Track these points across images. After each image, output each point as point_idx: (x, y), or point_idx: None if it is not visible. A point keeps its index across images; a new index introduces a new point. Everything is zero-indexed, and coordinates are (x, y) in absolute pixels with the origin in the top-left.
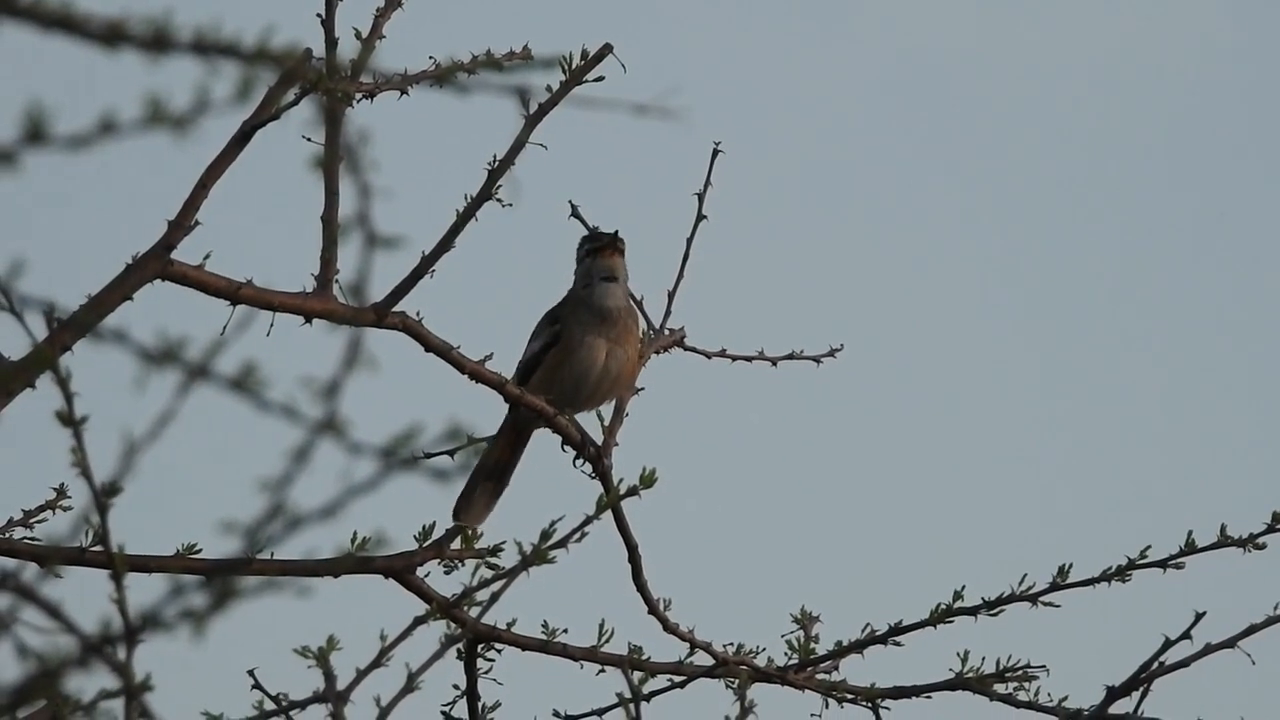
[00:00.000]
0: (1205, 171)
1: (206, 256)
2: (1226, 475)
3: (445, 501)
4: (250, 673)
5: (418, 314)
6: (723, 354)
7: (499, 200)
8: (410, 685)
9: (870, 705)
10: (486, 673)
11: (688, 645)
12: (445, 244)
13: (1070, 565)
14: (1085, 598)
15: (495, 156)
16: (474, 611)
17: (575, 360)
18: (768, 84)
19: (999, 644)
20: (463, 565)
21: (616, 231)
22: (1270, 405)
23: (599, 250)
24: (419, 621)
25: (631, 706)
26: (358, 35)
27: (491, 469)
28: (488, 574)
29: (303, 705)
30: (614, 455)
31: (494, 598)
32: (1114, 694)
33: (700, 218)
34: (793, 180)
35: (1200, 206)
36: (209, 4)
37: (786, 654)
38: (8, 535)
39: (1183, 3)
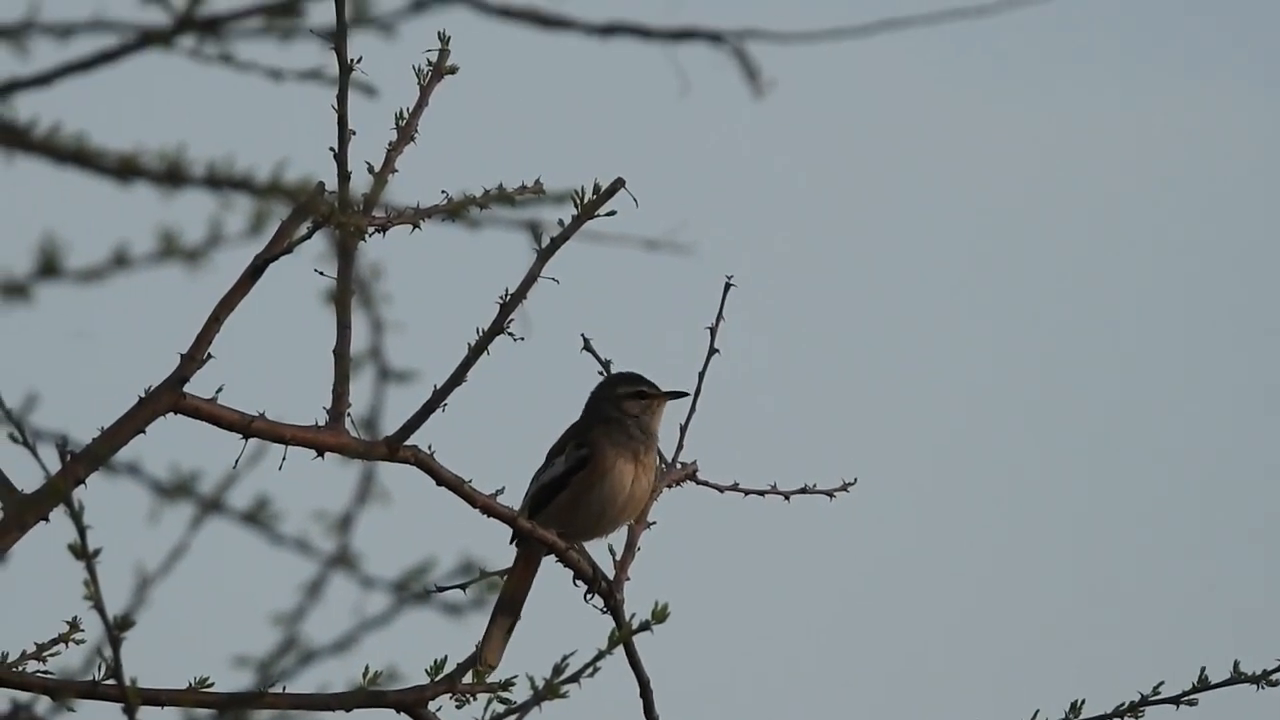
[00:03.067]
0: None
1: (219, 390)
2: (1240, 612)
3: (458, 635)
4: None
5: (429, 447)
6: (735, 488)
7: (511, 334)
8: None
9: None
10: None
11: None
12: (457, 378)
13: (1083, 701)
14: None
15: (507, 290)
16: None
17: (606, 483)
18: (779, 216)
19: None
20: (475, 700)
21: (680, 393)
22: None
23: (654, 401)
24: None
25: None
26: (370, 169)
27: (508, 603)
28: (500, 709)
29: None
30: (625, 590)
31: None
32: None
33: (712, 351)
34: (805, 314)
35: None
36: (222, 137)
37: None
38: (20, 668)
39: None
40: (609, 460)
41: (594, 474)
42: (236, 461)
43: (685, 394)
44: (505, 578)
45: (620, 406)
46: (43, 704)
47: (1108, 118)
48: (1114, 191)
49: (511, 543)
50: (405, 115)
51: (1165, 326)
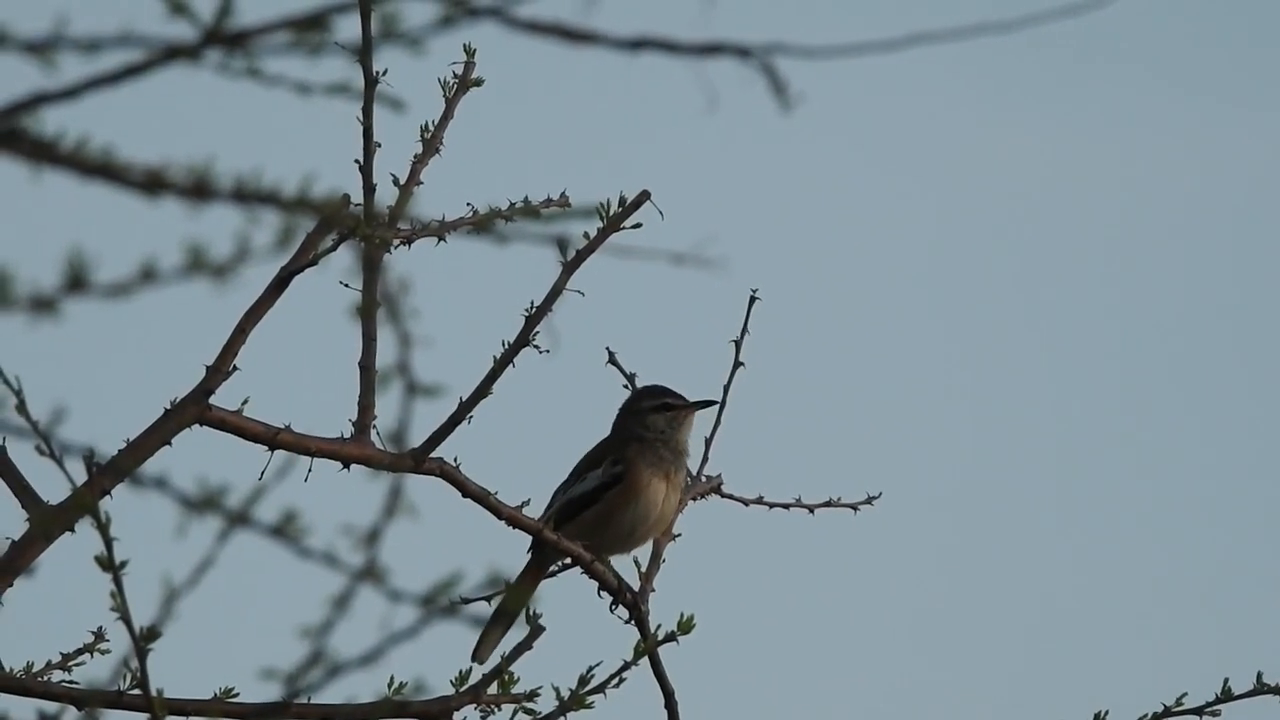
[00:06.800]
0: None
1: (245, 402)
2: (1264, 623)
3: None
4: None
5: (455, 460)
6: (760, 501)
7: (536, 347)
8: None
9: None
10: None
11: None
12: (483, 390)
13: (1106, 712)
14: None
15: (532, 303)
16: None
17: (640, 501)
18: (804, 229)
19: None
20: (499, 710)
21: (709, 402)
22: None
23: (680, 413)
24: None
25: None
26: (396, 182)
27: (510, 610)
28: (525, 719)
29: None
30: (650, 601)
31: None
32: None
33: (737, 365)
34: (831, 327)
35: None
36: (249, 151)
37: None
38: (46, 678)
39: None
40: (644, 479)
41: (629, 491)
42: (262, 473)
43: (713, 403)
44: (514, 586)
45: (645, 421)
46: (68, 714)
47: (1129, 134)
48: (1129, 208)
49: (529, 551)
50: (430, 128)
51: (1191, 340)
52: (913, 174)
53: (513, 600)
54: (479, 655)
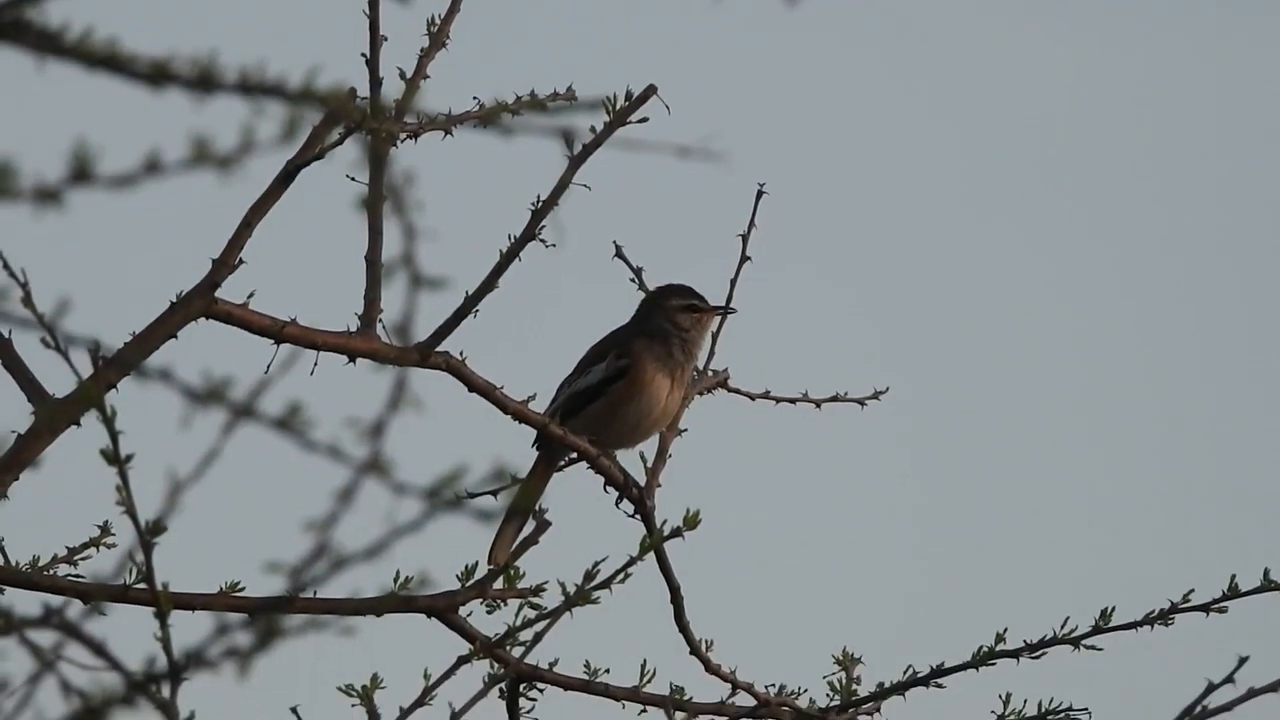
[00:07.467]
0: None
1: (251, 295)
2: (1270, 520)
3: (488, 541)
4: (294, 710)
5: (461, 354)
6: (766, 395)
7: (542, 240)
8: None
9: None
10: (529, 712)
11: (730, 686)
12: (489, 284)
13: (1113, 609)
14: (1128, 641)
15: (539, 197)
16: (517, 651)
17: (643, 396)
18: (811, 123)
19: (1041, 686)
20: (505, 605)
21: (728, 309)
22: None
23: (704, 316)
24: (462, 661)
25: None
26: (402, 75)
27: (525, 509)
28: (531, 614)
29: None
30: (656, 496)
31: (537, 637)
32: None
33: (744, 259)
34: (837, 221)
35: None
36: (254, 44)
37: (828, 695)
38: (52, 572)
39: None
40: (648, 373)
41: (633, 386)
42: (268, 367)
43: (733, 310)
44: (525, 483)
45: (672, 318)
46: (74, 608)
47: (1156, 39)
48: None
49: (533, 446)
50: (437, 21)
51: (1209, 238)
52: (924, 68)
53: (525, 498)
54: (495, 557)
